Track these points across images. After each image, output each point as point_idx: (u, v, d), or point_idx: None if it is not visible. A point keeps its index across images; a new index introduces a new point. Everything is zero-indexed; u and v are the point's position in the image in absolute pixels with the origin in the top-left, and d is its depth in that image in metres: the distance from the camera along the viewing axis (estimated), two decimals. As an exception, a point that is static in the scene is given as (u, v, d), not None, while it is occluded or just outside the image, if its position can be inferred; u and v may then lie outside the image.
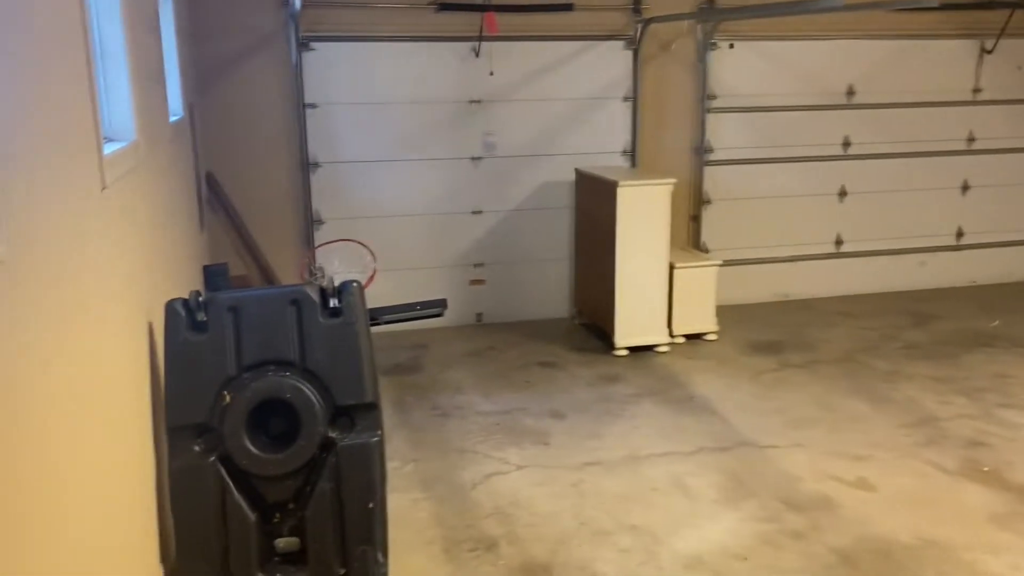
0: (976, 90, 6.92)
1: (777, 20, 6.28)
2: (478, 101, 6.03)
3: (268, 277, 5.74)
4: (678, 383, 5.13)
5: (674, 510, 3.67)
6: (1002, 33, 6.73)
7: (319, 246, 5.80)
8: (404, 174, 6.01)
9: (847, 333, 6.00)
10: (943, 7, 5.79)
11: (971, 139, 7.00)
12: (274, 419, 2.80)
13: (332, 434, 2.80)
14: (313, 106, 5.77)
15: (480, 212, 6.19)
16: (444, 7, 5.78)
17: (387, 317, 4.36)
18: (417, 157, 6.01)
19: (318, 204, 5.91)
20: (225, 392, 2.77)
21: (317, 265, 5.71)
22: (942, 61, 6.81)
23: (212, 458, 2.74)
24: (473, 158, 6.11)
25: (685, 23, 6.27)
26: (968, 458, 4.08)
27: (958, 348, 5.64)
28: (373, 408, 2.88)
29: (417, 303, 4.53)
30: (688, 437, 4.38)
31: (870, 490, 3.81)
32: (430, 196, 6.10)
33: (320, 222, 5.93)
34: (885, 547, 3.34)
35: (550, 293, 6.40)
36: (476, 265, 6.25)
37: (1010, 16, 6.67)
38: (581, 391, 5.01)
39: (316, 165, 5.85)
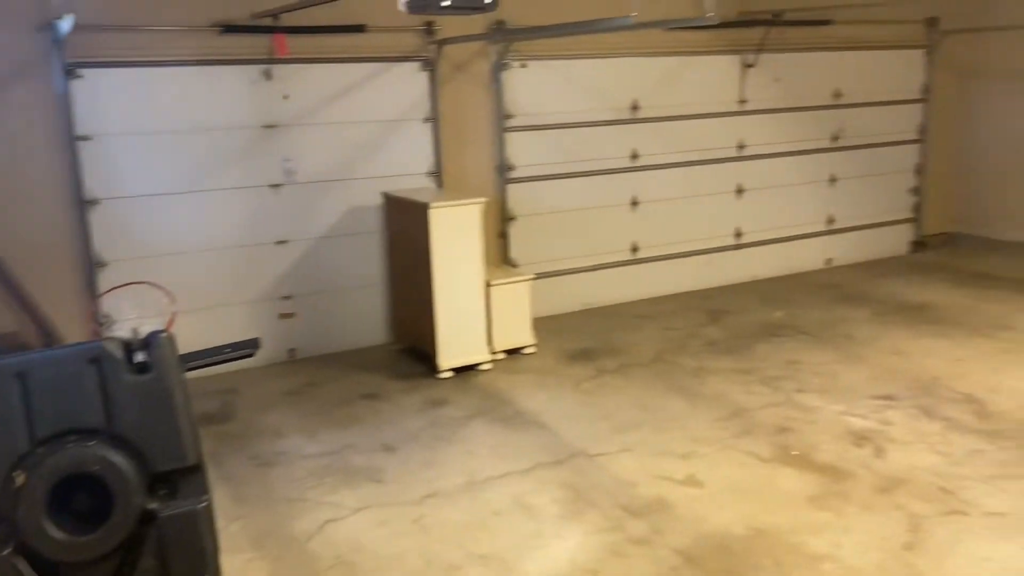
0: (742, 101, 7.53)
1: (566, 40, 6.49)
2: (273, 126, 5.74)
3: (47, 333, 5.11)
4: (505, 400, 5.13)
5: (520, 532, 3.64)
6: (760, 49, 7.38)
7: (105, 292, 5.26)
8: (198, 206, 5.60)
9: (652, 335, 6.29)
10: (710, 26, 6.22)
11: (741, 146, 7.60)
12: (81, 496, 2.47)
13: (151, 505, 2.50)
14: (86, 138, 5.22)
15: (285, 242, 5.89)
16: (229, 29, 5.46)
17: (193, 364, 4.02)
18: (211, 187, 5.62)
19: (100, 244, 5.35)
20: (16, 473, 2.41)
21: (103, 314, 5.18)
22: (712, 76, 7.35)
23: (6, 551, 2.36)
24: (272, 185, 5.81)
25: (478, 44, 6.33)
26: (779, 444, 4.38)
27: (752, 340, 6.07)
28: (197, 470, 2.61)
29: (227, 345, 4.20)
30: (523, 454, 4.37)
31: (699, 486, 3.98)
32: (229, 228, 5.72)
33: (102, 264, 5.37)
34: (723, 541, 3.49)
35: (365, 321, 6.21)
36: (284, 298, 5.94)
37: (766, 34, 7.33)
38: (410, 420, 4.88)
39: (94, 202, 5.31)
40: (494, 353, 5.75)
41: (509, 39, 6.31)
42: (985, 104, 8.61)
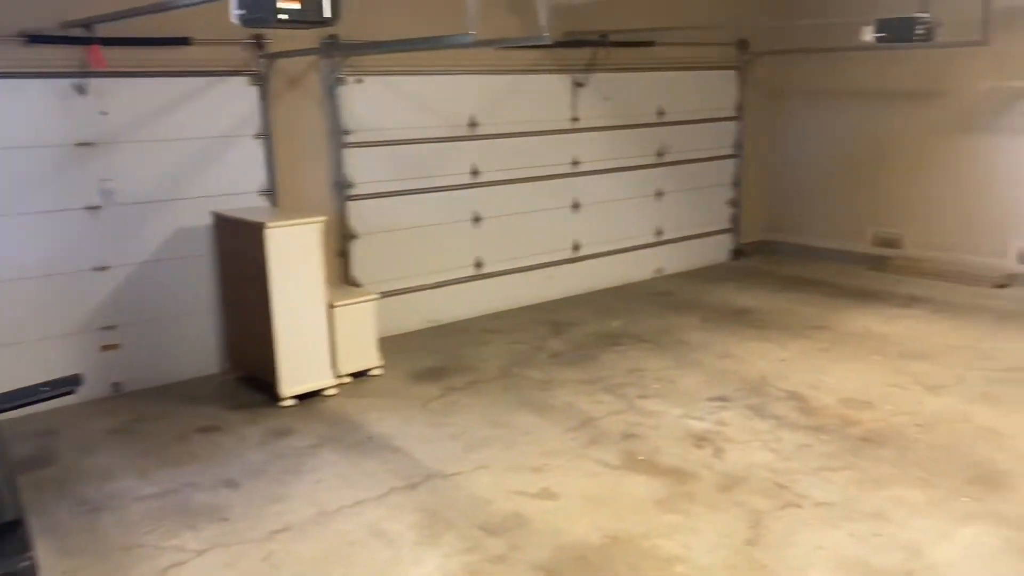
0: (574, 119, 7.76)
1: (402, 55, 6.45)
2: (89, 144, 5.32)
3: None
4: (353, 425, 4.99)
5: (377, 561, 3.54)
6: (589, 68, 7.64)
7: None
8: (1, 232, 5.09)
9: (499, 350, 6.34)
10: (541, 46, 6.38)
11: (575, 162, 7.83)
12: None
13: (-36, 570, 2.23)
14: None
15: (106, 268, 5.46)
16: (36, 39, 5.01)
17: (5, 406, 3.63)
18: (17, 212, 5.12)
19: None
20: None
21: None
22: (546, 94, 7.53)
23: None
24: (89, 208, 5.37)
25: (312, 58, 6.17)
26: (626, 451, 4.51)
27: (594, 350, 6.24)
28: (17, 526, 2.36)
29: (43, 384, 3.83)
30: (375, 480, 4.26)
31: (554, 498, 4.02)
32: (40, 255, 5.23)
33: None
34: (580, 552, 3.54)
35: (198, 349, 5.86)
36: (107, 328, 5.50)
37: (594, 54, 7.60)
38: (253, 452, 4.64)
39: None
40: (339, 377, 5.59)
41: (344, 54, 6.19)
42: (791, 121, 9.34)
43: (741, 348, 6.20)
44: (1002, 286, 7.69)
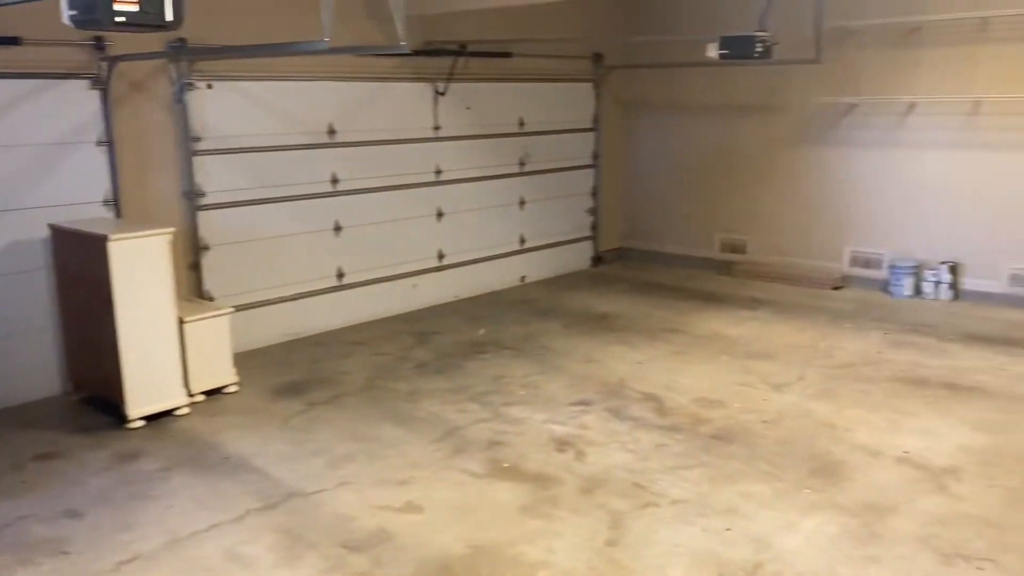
0: (436, 127, 7.76)
1: (256, 61, 6.25)
2: (-98, 150, 4.86)
3: None
4: (208, 446, 4.78)
5: (234, 587, 3.40)
6: (450, 77, 7.66)
7: None
8: None
9: (363, 362, 6.24)
10: (399, 54, 6.34)
11: (438, 171, 7.83)
12: None
13: None
14: None
15: (-77, 286, 5.00)
16: None
17: None
18: None
19: None
20: None
21: None
22: (407, 102, 7.50)
23: None
24: (-97, 221, 4.91)
25: (158, 61, 5.88)
26: (491, 459, 4.54)
27: (460, 359, 6.25)
28: None
29: None
30: (231, 503, 4.09)
31: (419, 511, 3.99)
32: None
33: None
34: (445, 563, 3.52)
35: (35, 370, 5.46)
36: (-74, 352, 5.04)
37: (454, 63, 7.63)
38: (97, 479, 4.36)
39: None
40: (192, 396, 5.34)
41: (192, 58, 5.94)
42: (644, 133, 9.71)
43: (602, 352, 6.37)
44: (837, 288, 8.26)
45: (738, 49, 5.80)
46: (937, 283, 7.72)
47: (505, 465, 4.46)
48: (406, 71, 7.40)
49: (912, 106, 7.77)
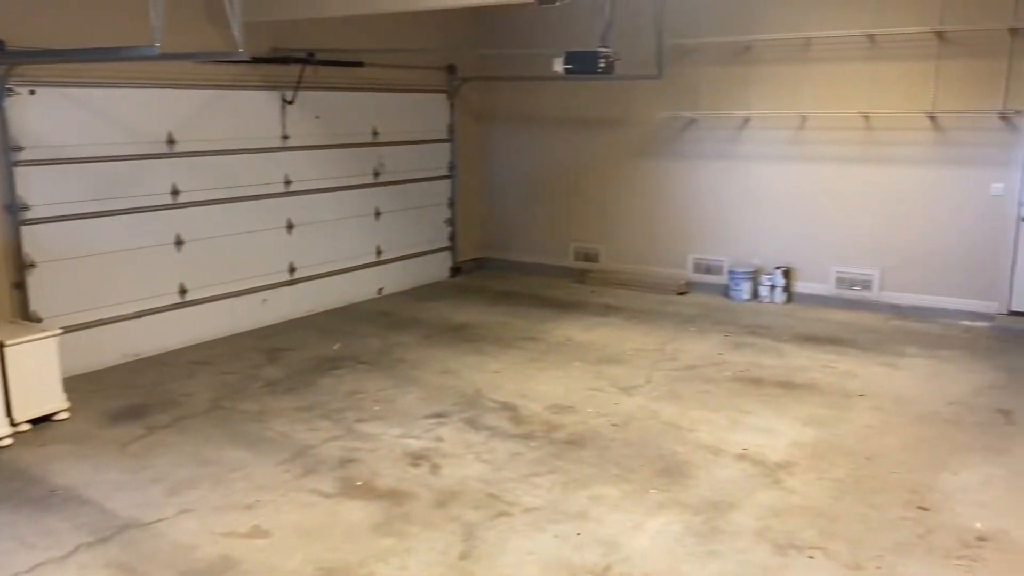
0: (285, 137, 7.56)
1: (88, 65, 5.88)
2: None
3: None
4: (33, 478, 4.43)
5: (60, 631, 3.15)
6: (298, 86, 7.48)
7: None
8: None
9: (208, 382, 5.97)
10: (237, 61, 6.14)
11: (288, 181, 7.62)
12: None
13: None
14: None
15: None
16: None
17: None
18: None
19: None
20: None
21: None
22: (253, 110, 7.26)
23: None
24: None
25: (-29, 64, 5.43)
26: (343, 478, 4.43)
27: (312, 376, 6.09)
28: None
29: None
30: (59, 539, 3.81)
31: (266, 536, 3.85)
32: None
33: None
34: (293, 588, 3.41)
35: None
36: None
37: (302, 71, 7.46)
38: (-100, 523, 3.95)
39: None
40: (15, 425, 4.94)
41: (10, 62, 5.51)
42: (499, 144, 9.82)
43: (458, 363, 6.37)
44: (683, 293, 8.63)
45: (582, 64, 5.96)
46: (772, 287, 8.20)
47: (358, 483, 4.37)
48: (253, 79, 7.16)
49: (746, 120, 8.24)
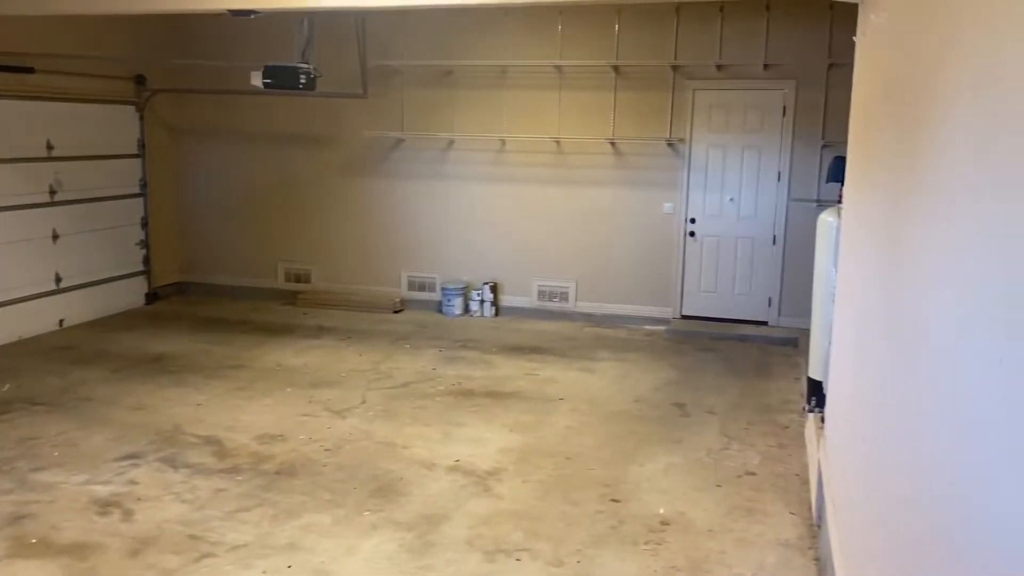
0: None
1: None
2: None
3: None
4: None
5: None
6: None
7: None
8: None
9: None
10: None
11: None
12: None
13: None
14: None
15: None
16: None
17: None
18: None
19: None
20: None
21: None
22: None
23: None
24: None
25: None
26: (14, 536, 3.89)
27: (-26, 423, 5.30)
28: None
29: None
30: None
31: (-91, 618, 3.26)
32: None
33: None
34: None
35: None
36: None
37: None
38: None
39: None
40: None
41: None
42: (198, 160, 9.26)
43: (156, 397, 5.88)
44: (398, 311, 8.71)
45: (282, 79, 5.82)
46: (482, 302, 8.54)
47: (32, 541, 3.86)
48: None
49: (451, 142, 8.52)
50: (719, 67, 7.74)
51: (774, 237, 7.86)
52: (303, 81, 5.76)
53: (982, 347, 1.39)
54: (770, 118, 7.74)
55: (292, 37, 6.27)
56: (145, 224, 8.79)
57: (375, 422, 5.50)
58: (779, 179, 7.78)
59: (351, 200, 8.89)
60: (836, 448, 3.61)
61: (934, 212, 1.84)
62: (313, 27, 6.12)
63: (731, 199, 7.94)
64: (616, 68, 7.94)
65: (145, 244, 8.80)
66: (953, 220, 1.66)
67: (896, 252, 2.32)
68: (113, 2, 5.49)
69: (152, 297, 8.90)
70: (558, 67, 8.07)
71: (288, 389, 6.13)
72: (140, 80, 8.56)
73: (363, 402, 5.88)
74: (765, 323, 7.96)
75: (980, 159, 1.50)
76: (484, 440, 5.23)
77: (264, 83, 5.80)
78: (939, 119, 1.88)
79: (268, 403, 5.83)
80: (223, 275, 9.32)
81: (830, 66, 7.43)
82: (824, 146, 7.55)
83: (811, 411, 4.67)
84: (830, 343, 4.17)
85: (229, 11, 4.86)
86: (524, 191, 8.44)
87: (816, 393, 4.59)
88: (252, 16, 4.93)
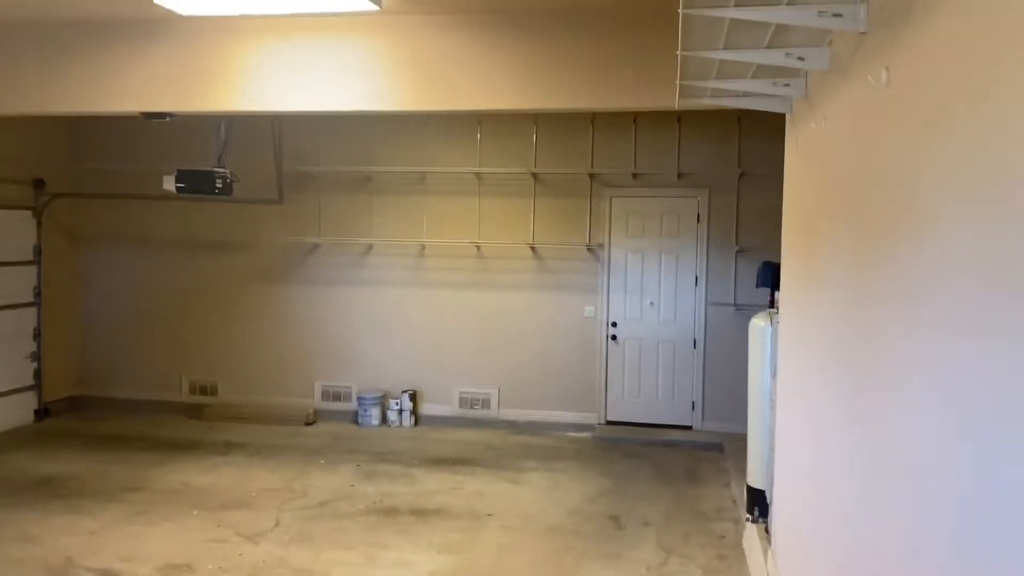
0: None
1: None
2: None
3: None
4: None
5: None
6: None
7: None
8: None
9: None
10: None
11: None
12: None
13: None
14: None
15: None
16: None
17: None
18: None
19: None
20: None
21: None
22: None
23: None
24: None
25: None
26: None
27: None
28: None
29: None
30: None
31: None
32: None
33: None
34: None
35: None
36: None
37: None
38: None
39: None
40: None
41: None
42: (98, 268, 8.80)
43: (43, 526, 5.31)
44: (311, 423, 8.29)
45: (196, 184, 5.60)
46: (401, 411, 8.22)
47: None
48: None
49: (370, 247, 8.37)
50: (635, 175, 7.92)
51: (694, 341, 7.92)
52: (219, 186, 5.56)
53: (976, 456, 1.28)
54: (686, 224, 7.92)
55: (207, 141, 6.09)
56: (37, 335, 8.20)
57: (291, 547, 5.08)
58: (696, 283, 7.90)
59: (262, 307, 8.56)
60: (790, 560, 3.48)
61: (918, 315, 1.78)
62: (231, 132, 5.97)
63: (651, 303, 7.99)
64: (535, 175, 8.03)
65: (36, 356, 8.20)
66: (947, 322, 1.59)
67: (865, 355, 2.26)
68: (16, 103, 5.22)
69: (43, 413, 8.23)
70: (477, 174, 8.10)
71: (194, 512, 5.64)
72: (39, 184, 8.15)
73: (277, 525, 5.45)
74: (690, 427, 7.91)
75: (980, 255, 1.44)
76: (411, 563, 4.88)
77: (177, 187, 5.57)
78: (923, 217, 1.85)
79: (172, 528, 5.33)
80: (123, 388, 8.73)
81: (741, 175, 7.69)
82: (739, 251, 7.74)
83: (754, 521, 4.54)
84: (771, 449, 4.09)
85: (143, 114, 4.66)
86: (444, 296, 8.30)
87: (758, 502, 4.48)
88: (167, 119, 4.74)
